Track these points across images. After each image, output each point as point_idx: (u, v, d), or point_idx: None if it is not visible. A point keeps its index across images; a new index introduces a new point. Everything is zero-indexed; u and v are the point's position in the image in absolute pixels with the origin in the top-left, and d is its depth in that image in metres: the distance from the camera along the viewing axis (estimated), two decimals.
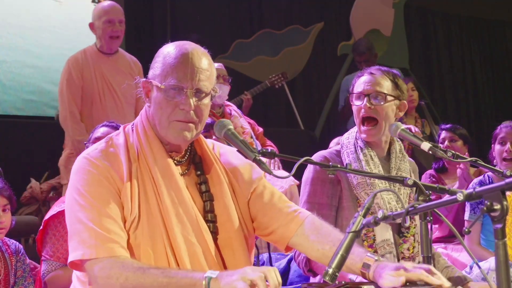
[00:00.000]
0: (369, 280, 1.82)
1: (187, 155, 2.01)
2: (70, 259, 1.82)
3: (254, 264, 2.16)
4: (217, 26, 7.39)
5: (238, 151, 1.98)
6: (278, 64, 7.47)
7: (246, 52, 7.55)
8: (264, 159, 1.88)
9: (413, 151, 4.88)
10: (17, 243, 3.03)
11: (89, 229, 1.80)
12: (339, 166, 1.94)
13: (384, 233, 2.45)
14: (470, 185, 3.72)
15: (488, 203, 1.34)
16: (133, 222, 1.85)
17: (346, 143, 2.63)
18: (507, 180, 1.33)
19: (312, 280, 2.53)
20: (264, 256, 3.41)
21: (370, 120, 2.57)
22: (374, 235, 2.46)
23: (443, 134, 4.41)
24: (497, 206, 1.33)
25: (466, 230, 1.48)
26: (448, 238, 3.96)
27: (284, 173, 4.25)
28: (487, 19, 9.73)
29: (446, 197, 1.54)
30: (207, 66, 1.93)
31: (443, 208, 2.99)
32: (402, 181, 1.98)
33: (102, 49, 4.55)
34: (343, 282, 1.75)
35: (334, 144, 4.01)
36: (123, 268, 1.74)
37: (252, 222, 2.06)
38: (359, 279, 1.92)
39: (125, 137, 1.97)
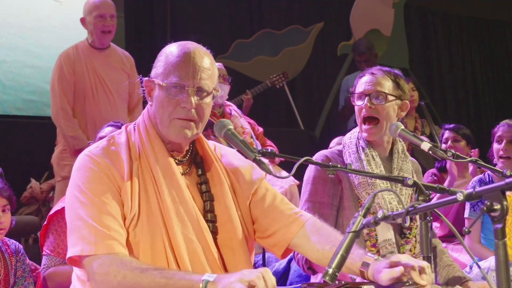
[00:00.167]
0: (368, 280, 1.82)
1: (188, 155, 2.01)
2: (69, 254, 1.83)
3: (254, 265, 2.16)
4: (217, 26, 7.38)
5: (238, 151, 1.98)
6: (278, 64, 7.46)
7: (246, 52, 7.54)
8: (264, 159, 1.88)
9: (413, 151, 4.88)
10: (17, 243, 3.03)
11: (89, 226, 1.80)
12: (339, 166, 1.94)
13: (385, 233, 2.45)
14: (470, 184, 3.73)
15: (488, 203, 1.34)
16: (133, 220, 1.85)
17: (348, 143, 2.63)
18: (507, 180, 1.33)
19: (312, 279, 2.53)
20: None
21: (371, 119, 2.57)
22: (376, 235, 2.46)
23: (446, 134, 4.40)
24: (497, 206, 1.33)
25: (466, 230, 1.47)
26: (448, 238, 3.96)
27: (284, 173, 4.26)
28: (487, 19, 9.72)
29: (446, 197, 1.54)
30: (209, 65, 1.93)
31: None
32: (402, 181, 1.98)
33: (94, 44, 4.51)
34: (343, 282, 1.75)
35: (334, 144, 4.01)
36: (121, 266, 1.75)
37: (253, 224, 2.05)
38: (360, 279, 1.92)
39: (126, 136, 1.98)
